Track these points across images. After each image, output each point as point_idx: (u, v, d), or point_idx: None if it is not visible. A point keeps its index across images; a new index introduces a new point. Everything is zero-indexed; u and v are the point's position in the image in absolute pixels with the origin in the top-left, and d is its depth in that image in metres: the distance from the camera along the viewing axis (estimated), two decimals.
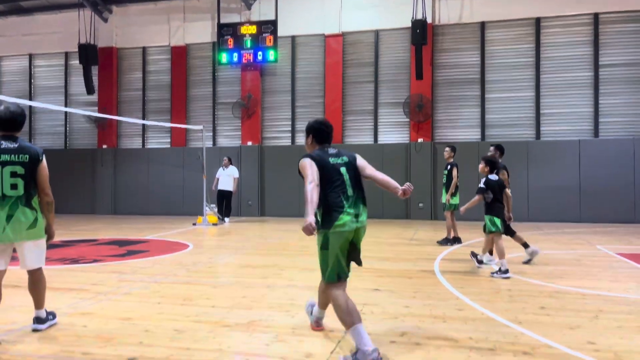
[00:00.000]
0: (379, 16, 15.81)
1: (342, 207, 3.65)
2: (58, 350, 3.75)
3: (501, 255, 6.69)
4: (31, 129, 18.76)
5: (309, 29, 16.36)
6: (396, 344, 3.89)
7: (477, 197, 7.01)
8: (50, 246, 4.31)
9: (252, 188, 16.48)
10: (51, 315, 4.40)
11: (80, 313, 4.79)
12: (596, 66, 14.40)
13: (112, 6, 17.82)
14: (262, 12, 16.44)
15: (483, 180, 7.07)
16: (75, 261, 7.80)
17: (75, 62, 17.74)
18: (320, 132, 4.03)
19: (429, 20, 14.87)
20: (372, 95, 15.96)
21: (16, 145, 4.08)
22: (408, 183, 3.92)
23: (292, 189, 15.82)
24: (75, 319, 4.57)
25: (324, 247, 3.67)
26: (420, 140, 15.23)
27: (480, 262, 7.23)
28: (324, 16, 16.15)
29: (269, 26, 15.92)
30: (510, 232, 7.45)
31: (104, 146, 17.95)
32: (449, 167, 9.71)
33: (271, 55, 15.99)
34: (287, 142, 16.72)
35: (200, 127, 15.03)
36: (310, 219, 3.44)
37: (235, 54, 16.26)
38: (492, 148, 8.37)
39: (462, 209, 7.12)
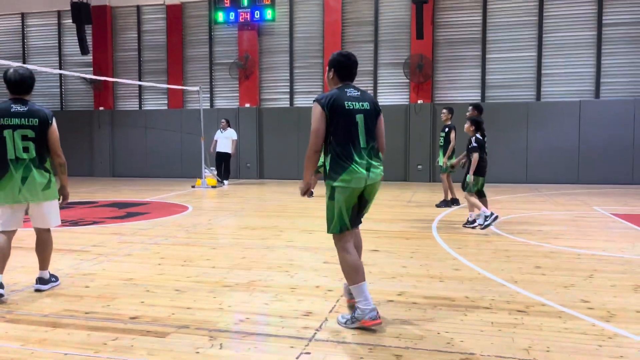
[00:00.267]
0: None
1: (350, 158, 3.43)
2: (61, 309, 3.82)
3: (479, 207, 7.08)
4: None
5: None
6: (393, 303, 3.96)
7: (476, 156, 7.09)
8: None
9: (251, 150, 16.43)
10: (54, 277, 4.45)
11: (82, 274, 4.85)
12: (599, 25, 14.14)
13: None
14: None
15: (473, 139, 7.23)
16: (75, 223, 7.85)
17: (68, 21, 17.36)
18: (344, 67, 3.61)
19: None
20: (371, 55, 15.70)
21: (26, 109, 4.12)
22: None
23: (291, 151, 15.80)
24: (77, 280, 4.64)
25: (330, 197, 3.51)
26: (420, 101, 15.09)
27: (473, 222, 7.30)
28: None
29: None
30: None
31: (101, 108, 17.78)
32: (446, 129, 9.65)
33: (269, 14, 15.66)
34: (285, 103, 16.56)
35: (196, 88, 14.86)
36: (307, 182, 3.55)
37: (232, 13, 15.91)
38: (470, 108, 8.40)
39: (455, 161, 7.25)
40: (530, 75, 14.73)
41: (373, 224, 7.42)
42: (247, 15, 15.83)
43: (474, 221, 7.31)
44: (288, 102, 16.54)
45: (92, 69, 17.57)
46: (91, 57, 17.45)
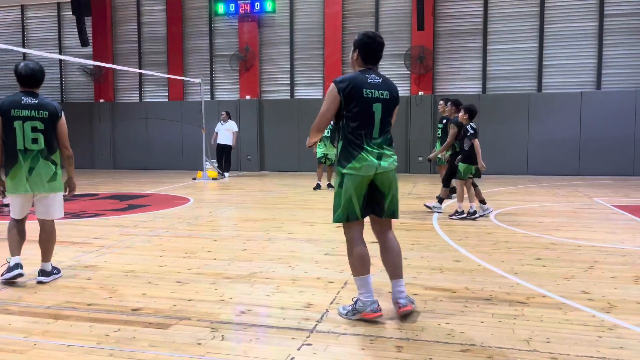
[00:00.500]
0: None
1: (361, 147, 3.35)
2: (63, 301, 3.84)
3: (462, 199, 7.35)
4: None
5: None
6: None
7: (477, 142, 7.27)
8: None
9: (251, 142, 16.41)
10: (56, 270, 4.47)
11: (84, 266, 4.86)
12: (601, 16, 14.06)
13: None
14: None
15: (469, 127, 7.35)
16: (76, 215, 7.87)
17: (67, 13, 17.28)
18: (369, 49, 3.44)
19: None
20: None
21: (36, 102, 4.25)
22: None
23: (291, 143, 15.76)
24: (79, 272, 4.65)
25: (339, 185, 3.44)
26: (420, 93, 15.05)
27: (474, 213, 7.35)
28: None
29: None
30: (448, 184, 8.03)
31: (101, 100, 17.75)
32: (444, 121, 9.57)
33: (269, 5, 15.59)
34: (286, 95, 16.52)
35: (198, 79, 14.83)
36: (312, 140, 3.72)
37: (232, 5, 15.84)
38: (442, 102, 8.68)
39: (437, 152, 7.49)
40: (531, 66, 14.68)
41: None
42: (247, 7, 15.77)
43: (462, 212, 7.36)
44: (289, 94, 16.50)
45: (92, 61, 17.49)
46: (91, 49, 17.39)
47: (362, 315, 3.38)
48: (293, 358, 2.86)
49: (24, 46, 18.35)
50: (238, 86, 16.71)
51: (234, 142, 14.17)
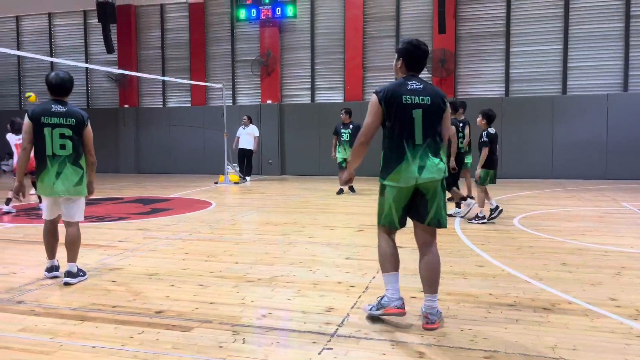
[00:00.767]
0: None
1: (401, 157, 3.29)
2: (88, 303, 3.90)
3: (482, 204, 7.35)
4: None
5: None
6: (417, 299, 3.93)
7: (485, 151, 7.23)
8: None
9: (272, 147, 16.49)
10: (81, 272, 4.57)
11: (109, 269, 4.95)
12: (627, 16, 13.77)
13: None
14: None
15: (484, 133, 7.26)
16: (101, 219, 8.01)
17: (93, 20, 17.66)
18: (413, 57, 3.44)
19: None
20: (393, 50, 15.58)
21: (65, 109, 4.45)
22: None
23: (312, 148, 15.79)
24: (104, 274, 4.73)
25: (381, 193, 3.47)
26: None
27: (483, 217, 7.36)
28: None
29: None
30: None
31: (126, 105, 18.06)
32: (460, 124, 9.49)
33: (290, 10, 15.67)
34: (307, 100, 16.57)
35: (219, 85, 14.98)
36: (349, 172, 3.63)
37: (254, 10, 15.97)
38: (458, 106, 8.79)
39: (478, 168, 7.26)
40: (555, 68, 14.44)
41: None
42: (268, 12, 15.88)
43: (483, 217, 7.30)
44: (309, 99, 16.54)
45: (117, 67, 17.84)
46: (116, 56, 17.73)
47: (385, 310, 3.37)
48: None
49: (51, 53, 18.79)
50: (259, 91, 16.83)
51: (256, 147, 14.25)
